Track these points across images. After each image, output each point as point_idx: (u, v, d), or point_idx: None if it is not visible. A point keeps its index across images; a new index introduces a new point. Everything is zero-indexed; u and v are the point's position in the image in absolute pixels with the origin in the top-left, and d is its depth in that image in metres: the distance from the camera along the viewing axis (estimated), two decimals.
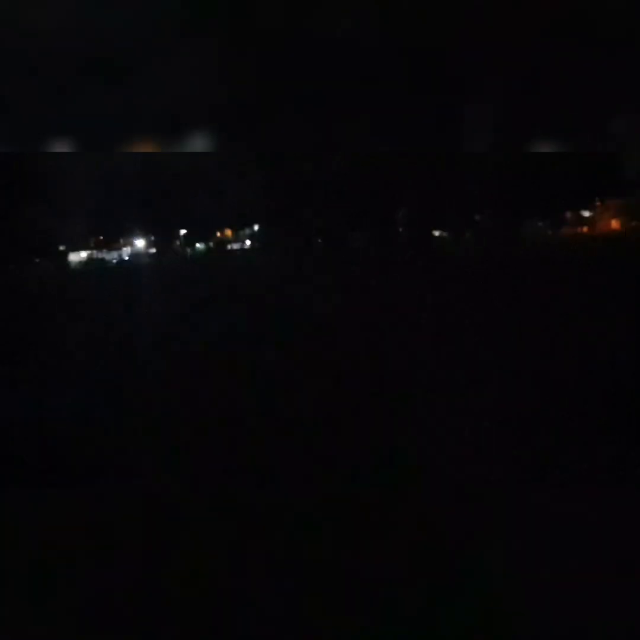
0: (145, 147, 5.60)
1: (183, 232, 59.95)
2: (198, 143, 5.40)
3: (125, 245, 65.26)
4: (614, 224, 51.69)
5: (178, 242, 60.91)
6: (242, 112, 5.28)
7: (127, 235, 61.82)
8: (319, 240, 38.57)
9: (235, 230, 63.34)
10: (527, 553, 3.44)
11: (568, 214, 50.50)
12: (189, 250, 61.10)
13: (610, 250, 27.30)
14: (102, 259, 64.83)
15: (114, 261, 63.05)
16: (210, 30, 5.09)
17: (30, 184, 32.96)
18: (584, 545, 3.48)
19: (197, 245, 61.79)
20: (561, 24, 5.03)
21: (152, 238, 59.49)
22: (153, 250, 60.01)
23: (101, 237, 62.90)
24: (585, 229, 52.02)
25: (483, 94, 5.20)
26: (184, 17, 4.98)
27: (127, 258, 63.33)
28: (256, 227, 56.48)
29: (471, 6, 5.16)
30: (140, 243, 61.85)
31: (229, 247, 62.60)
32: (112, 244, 65.04)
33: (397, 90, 5.35)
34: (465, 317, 11.14)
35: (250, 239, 60.67)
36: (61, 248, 55.79)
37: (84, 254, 64.69)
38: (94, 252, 65.50)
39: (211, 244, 61.83)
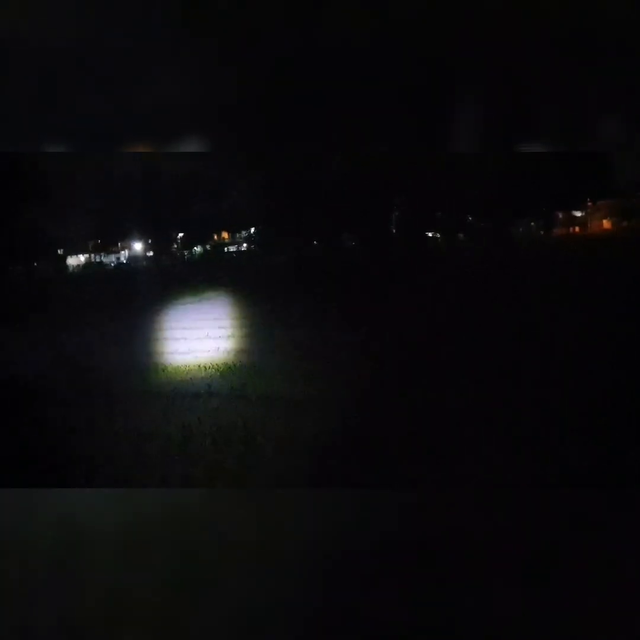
0: (144, 148, 5.60)
1: (180, 235, 59.99)
2: (196, 143, 5.41)
3: (123, 249, 65.24)
4: (606, 224, 52.10)
5: (175, 245, 60.94)
6: (242, 112, 5.29)
7: (125, 237, 61.79)
8: (315, 242, 38.64)
9: (232, 233, 63.41)
10: (527, 553, 3.45)
11: (560, 215, 50.79)
12: (186, 253, 61.14)
13: (603, 250, 27.44)
14: (100, 262, 64.86)
15: (112, 264, 63.11)
16: (210, 31, 5.09)
17: (30, 184, 32.94)
18: (584, 546, 3.48)
19: (195, 248, 61.88)
20: (555, 23, 5.06)
21: (150, 241, 59.47)
22: (150, 253, 59.99)
23: (99, 241, 62.88)
24: (576, 229, 52.33)
25: (476, 94, 5.22)
26: (184, 17, 5.00)
27: (124, 261, 63.38)
28: (253, 230, 56.53)
29: (466, 7, 5.18)
30: (138, 246, 61.86)
31: (226, 249, 62.63)
32: (110, 247, 65.00)
33: (393, 91, 5.37)
34: (461, 316, 11.17)
35: (246, 242, 60.72)
36: (59, 251, 55.73)
37: (82, 258, 64.73)
38: (92, 255, 65.50)
39: (208, 246, 61.90)
